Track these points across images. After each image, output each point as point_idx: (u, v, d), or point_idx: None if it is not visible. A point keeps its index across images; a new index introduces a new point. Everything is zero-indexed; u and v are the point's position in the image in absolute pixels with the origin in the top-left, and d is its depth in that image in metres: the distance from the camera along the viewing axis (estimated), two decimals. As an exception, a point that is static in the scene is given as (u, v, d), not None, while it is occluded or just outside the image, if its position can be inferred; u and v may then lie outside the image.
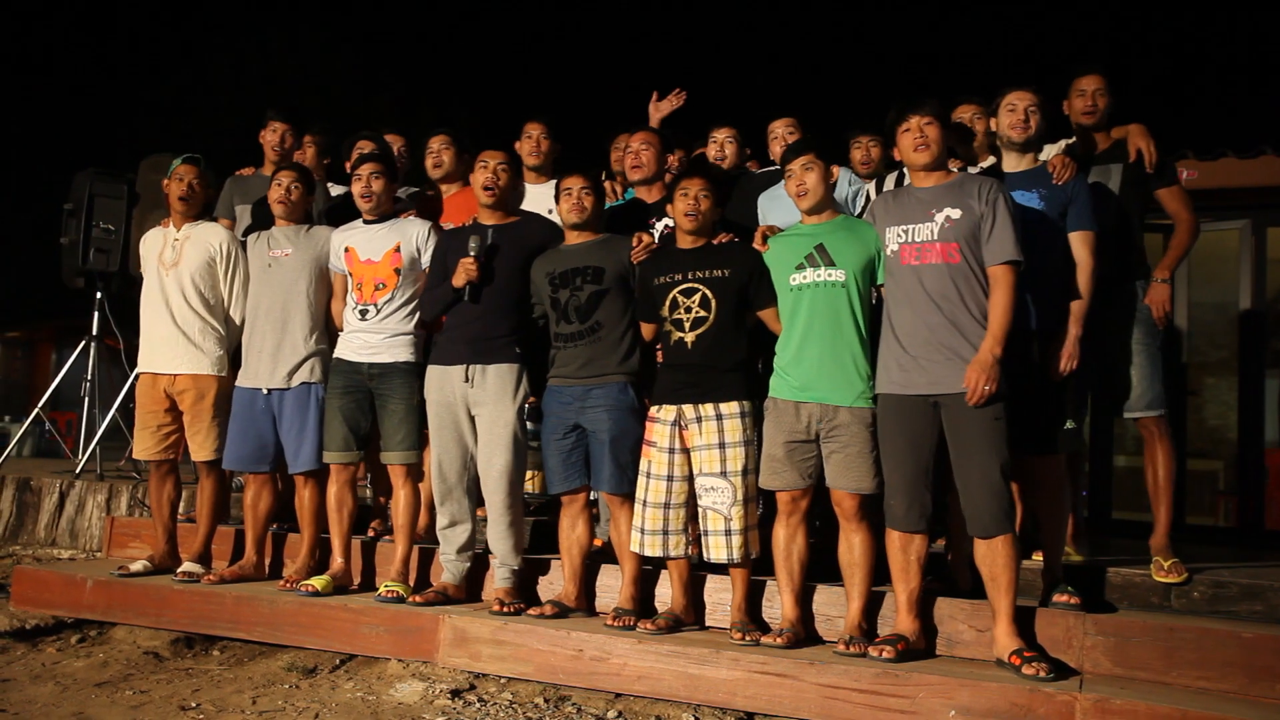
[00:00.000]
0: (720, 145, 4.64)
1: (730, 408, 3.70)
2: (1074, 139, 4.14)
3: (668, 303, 3.80)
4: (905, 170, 4.18)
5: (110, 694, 3.66)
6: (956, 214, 3.43)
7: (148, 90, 17.03)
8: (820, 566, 3.77)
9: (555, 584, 4.15)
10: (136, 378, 4.77)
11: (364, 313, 4.26)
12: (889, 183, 4.27)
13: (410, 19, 20.56)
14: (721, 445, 3.68)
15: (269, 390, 4.40)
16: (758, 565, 3.78)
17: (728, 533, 3.66)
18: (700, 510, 3.72)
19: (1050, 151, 4.01)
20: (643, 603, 3.94)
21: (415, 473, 4.29)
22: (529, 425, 4.13)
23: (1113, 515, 6.56)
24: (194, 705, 3.52)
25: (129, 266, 6.31)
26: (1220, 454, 7.55)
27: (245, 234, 4.71)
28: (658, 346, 3.99)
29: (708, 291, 3.75)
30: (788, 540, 3.64)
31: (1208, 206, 6.15)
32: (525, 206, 4.50)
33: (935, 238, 3.45)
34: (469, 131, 4.91)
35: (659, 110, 4.88)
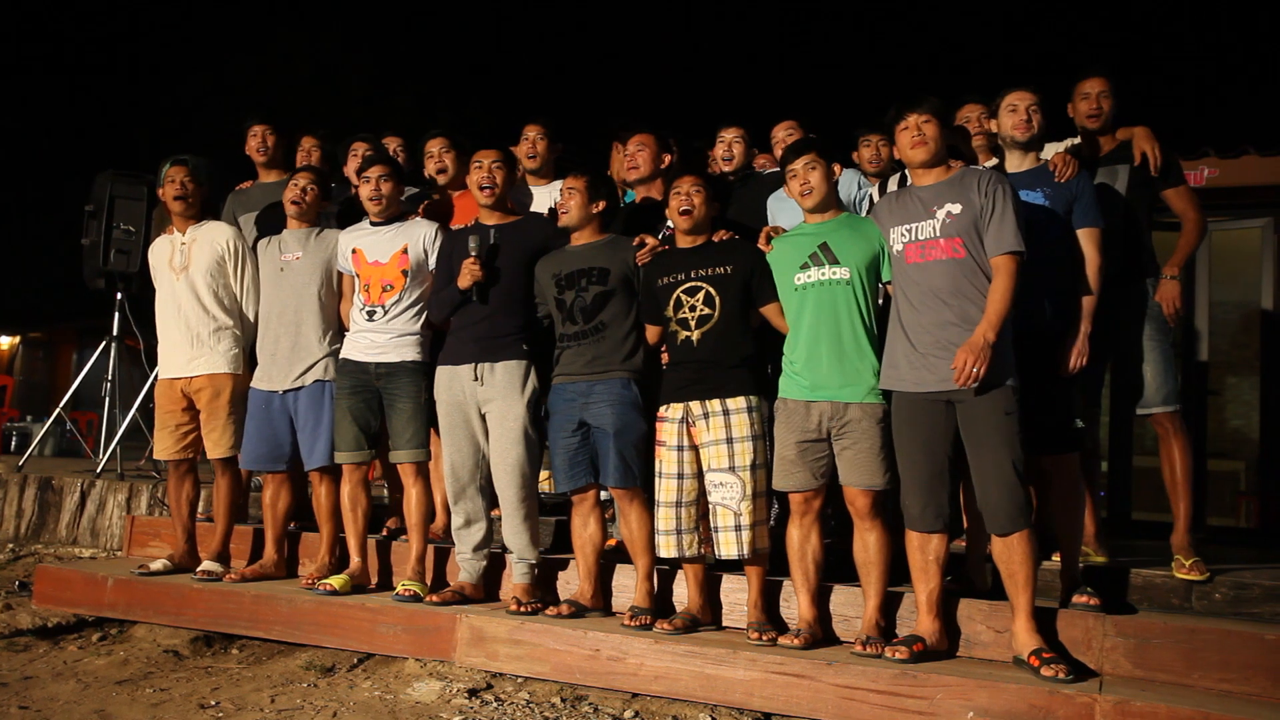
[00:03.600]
0: (728, 145, 4.63)
1: (737, 403, 3.69)
2: (1078, 139, 4.12)
3: (672, 302, 3.80)
4: (907, 171, 4.17)
5: (131, 692, 3.69)
6: (957, 209, 3.42)
7: (168, 92, 17.16)
8: (839, 567, 3.76)
9: (573, 583, 4.16)
10: (157, 378, 4.80)
11: (371, 314, 4.28)
12: (892, 183, 4.25)
13: (428, 20, 20.62)
14: (729, 440, 3.67)
15: (284, 392, 4.42)
16: (773, 565, 3.77)
17: (737, 528, 3.65)
18: (710, 506, 3.72)
19: (1051, 150, 3.99)
20: (660, 602, 3.94)
21: (425, 471, 4.30)
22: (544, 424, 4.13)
23: (1132, 516, 6.51)
24: (213, 703, 3.55)
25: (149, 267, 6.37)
26: (1242, 454, 7.48)
27: (253, 244, 4.71)
28: (663, 349, 3.98)
29: (711, 289, 3.75)
30: (802, 540, 3.63)
31: (1229, 205, 6.12)
32: (532, 209, 4.51)
33: (938, 234, 3.44)
34: (473, 131, 4.90)
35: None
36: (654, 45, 19.92)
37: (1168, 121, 4.07)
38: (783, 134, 4.60)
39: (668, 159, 4.43)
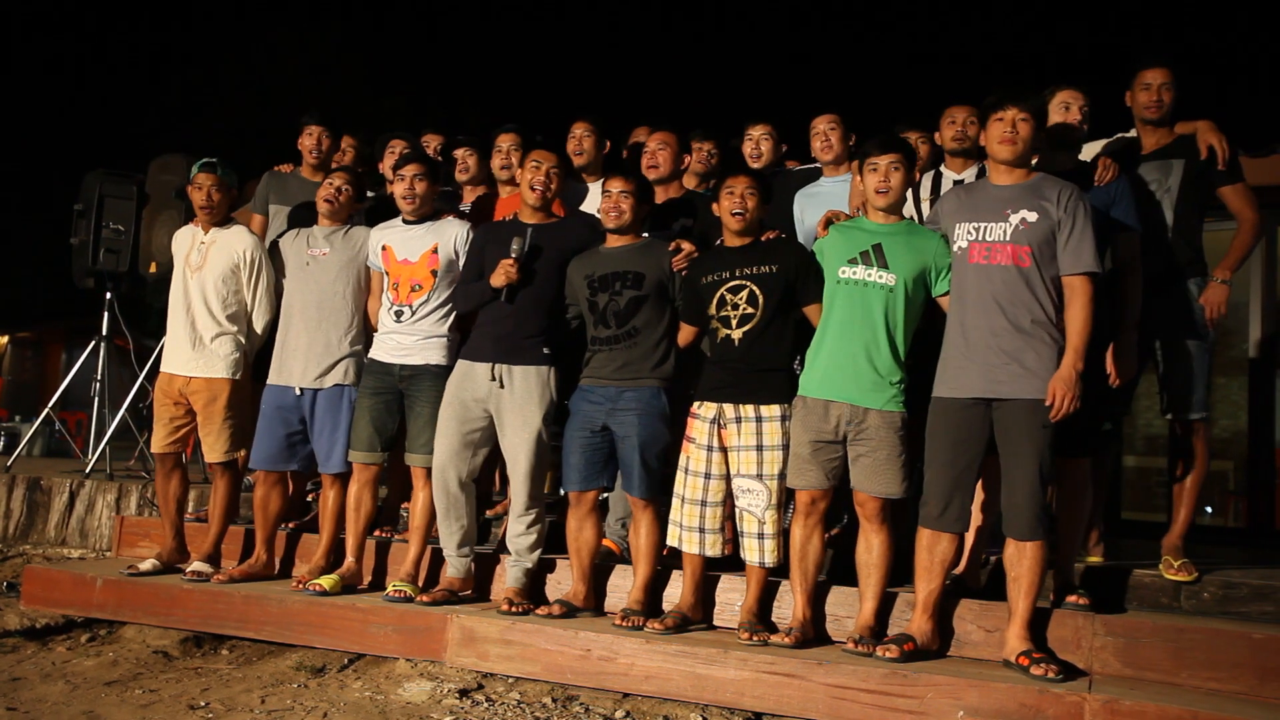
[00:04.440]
0: (756, 142, 4.62)
1: (770, 410, 3.68)
2: (1119, 135, 4.07)
3: (715, 301, 3.78)
4: (941, 173, 4.12)
5: (120, 693, 3.67)
6: (1033, 217, 3.36)
7: (157, 91, 17.09)
8: (836, 566, 3.77)
9: (563, 584, 4.15)
10: (147, 378, 4.79)
11: (399, 314, 4.26)
12: (924, 184, 4.18)
13: (420, 19, 20.59)
14: (759, 448, 3.67)
15: (301, 390, 4.40)
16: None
17: (761, 536, 3.66)
18: (736, 510, 3.72)
19: (1089, 151, 3.95)
20: (651, 601, 3.94)
21: None
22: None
23: (1122, 515, 6.54)
24: (203, 704, 3.53)
25: (138, 267, 6.35)
26: (1230, 454, 7.51)
27: (279, 236, 4.70)
28: (701, 344, 3.96)
29: (755, 288, 3.73)
30: (804, 540, 3.62)
31: (1219, 206, 6.12)
32: (584, 206, 4.51)
33: (1007, 239, 3.38)
34: (470, 131, 4.91)
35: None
36: (655, 42, 19.91)
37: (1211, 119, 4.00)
38: (824, 126, 4.47)
39: (687, 160, 4.43)
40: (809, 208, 4.19)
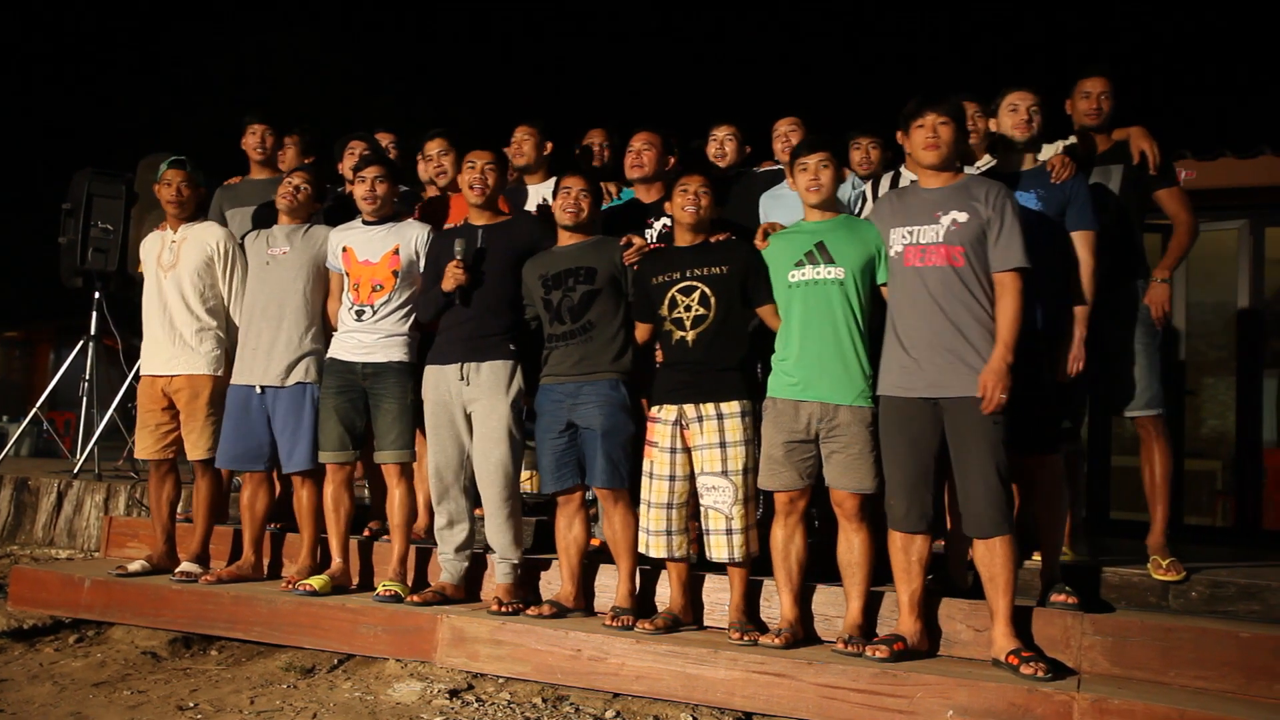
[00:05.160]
0: (720, 143, 4.64)
1: (731, 407, 3.70)
2: (1073, 138, 4.14)
3: (666, 301, 3.80)
4: (900, 172, 4.18)
5: (108, 694, 3.66)
6: (963, 217, 3.41)
7: (146, 89, 17.03)
8: (819, 566, 3.77)
9: (555, 584, 4.15)
10: (135, 378, 4.77)
11: (360, 313, 4.27)
12: (884, 184, 4.26)
13: (411, 18, 20.55)
14: (722, 444, 3.68)
15: (263, 389, 4.40)
16: (756, 565, 3.78)
17: (729, 532, 3.66)
18: (702, 509, 3.72)
19: (1049, 151, 4.01)
20: (642, 602, 3.94)
21: (409, 472, 4.30)
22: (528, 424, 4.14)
23: (1111, 515, 6.56)
24: (192, 705, 3.52)
25: (127, 266, 6.32)
26: (1218, 454, 7.55)
27: (241, 237, 4.71)
28: (656, 347, 3.99)
29: (707, 289, 3.75)
30: (786, 540, 3.64)
31: (1206, 206, 6.15)
32: (527, 206, 4.51)
33: (940, 240, 3.43)
34: (464, 131, 4.90)
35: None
36: (641, 43, 19.94)
37: (1145, 125, 4.09)
38: (785, 128, 4.57)
39: (671, 161, 4.44)
40: (774, 210, 4.21)
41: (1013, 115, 3.78)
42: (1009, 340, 3.32)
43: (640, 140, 4.42)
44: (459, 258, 4.01)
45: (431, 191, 4.87)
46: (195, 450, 4.52)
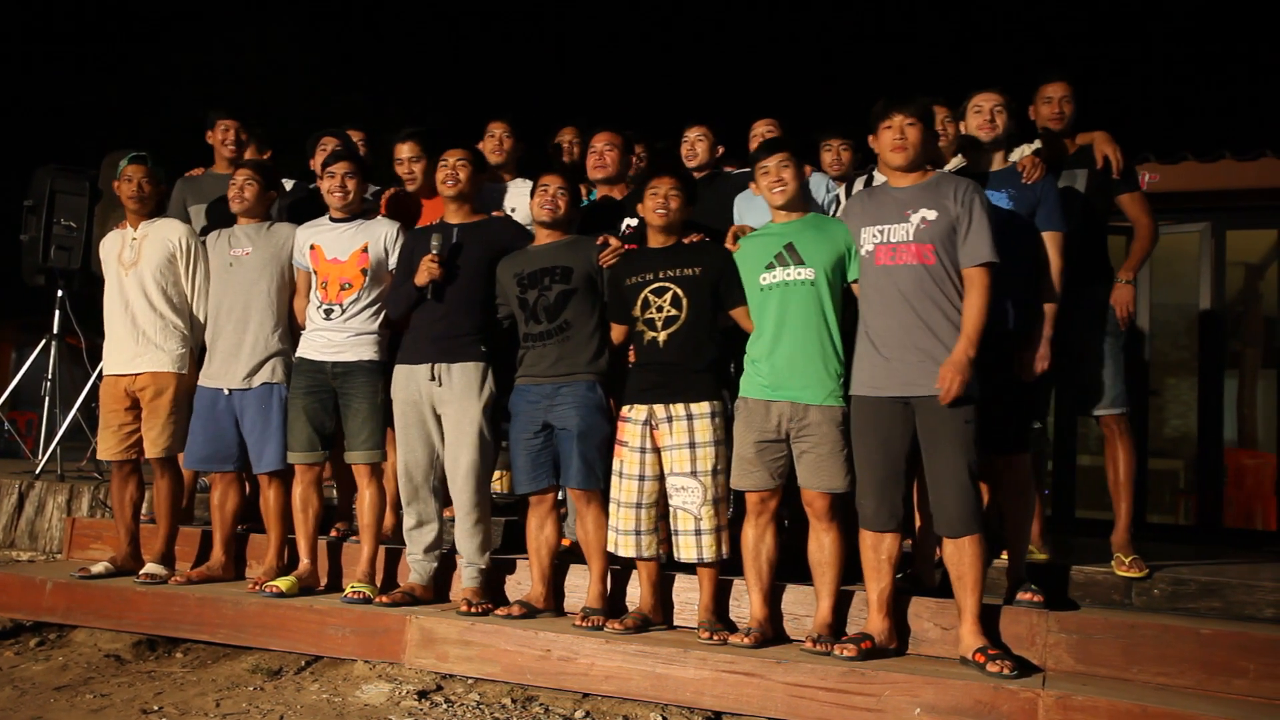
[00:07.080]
0: (691, 144, 4.64)
1: (701, 408, 3.71)
2: (1038, 142, 4.19)
3: (639, 302, 3.80)
4: (874, 173, 4.21)
5: (70, 698, 3.61)
6: (933, 215, 3.43)
7: (111, 85, 16.79)
8: (789, 566, 3.79)
9: (523, 584, 4.14)
10: (99, 377, 4.71)
11: (329, 312, 4.23)
12: (858, 185, 4.29)
13: (382, 17, 20.43)
14: (692, 445, 3.69)
15: (230, 390, 4.36)
16: (726, 565, 3.79)
17: (698, 532, 3.67)
18: (670, 510, 3.73)
19: (1020, 152, 4.05)
20: (612, 602, 3.94)
21: (379, 472, 4.27)
22: (501, 425, 4.12)
23: (1075, 514, 6.64)
24: (156, 708, 3.48)
25: (91, 264, 6.23)
26: (1180, 453, 7.66)
27: (202, 234, 4.66)
28: (629, 348, 3.99)
29: (679, 290, 3.75)
30: (756, 540, 3.65)
31: (1168, 209, 6.25)
32: (505, 203, 4.50)
33: (910, 238, 3.45)
34: (436, 132, 4.88)
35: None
36: (614, 42, 19.93)
37: (1108, 130, 4.15)
38: (762, 129, 4.57)
39: (634, 160, 4.45)
40: (748, 211, 4.22)
41: (977, 116, 3.83)
42: (972, 334, 3.35)
43: (602, 140, 4.43)
44: (435, 252, 3.99)
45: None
46: (154, 448, 4.46)
